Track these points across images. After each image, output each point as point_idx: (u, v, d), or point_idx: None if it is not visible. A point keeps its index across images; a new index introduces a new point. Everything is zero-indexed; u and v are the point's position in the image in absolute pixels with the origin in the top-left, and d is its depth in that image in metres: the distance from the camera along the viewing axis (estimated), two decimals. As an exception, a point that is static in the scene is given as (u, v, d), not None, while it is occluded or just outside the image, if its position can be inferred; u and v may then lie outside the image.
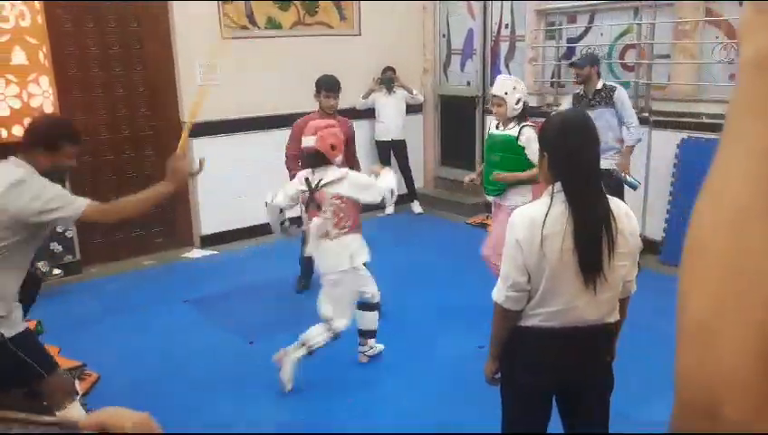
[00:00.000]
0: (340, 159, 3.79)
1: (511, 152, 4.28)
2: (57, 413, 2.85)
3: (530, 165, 4.10)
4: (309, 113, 4.97)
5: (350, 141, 4.72)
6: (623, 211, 2.17)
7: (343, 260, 3.70)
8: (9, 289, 2.70)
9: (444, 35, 7.79)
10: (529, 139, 4.14)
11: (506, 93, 4.23)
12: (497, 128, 4.39)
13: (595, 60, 5.33)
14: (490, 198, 4.67)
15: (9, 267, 2.66)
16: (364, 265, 3.86)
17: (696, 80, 5.56)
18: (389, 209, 6.96)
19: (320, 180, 3.71)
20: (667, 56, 5.71)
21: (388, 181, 3.74)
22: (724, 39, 5.36)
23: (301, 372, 3.95)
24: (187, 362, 4.11)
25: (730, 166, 0.46)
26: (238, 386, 3.79)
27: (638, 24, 5.84)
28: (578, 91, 5.34)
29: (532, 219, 2.10)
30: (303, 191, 3.77)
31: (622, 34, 6.06)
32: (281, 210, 3.81)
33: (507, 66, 7.12)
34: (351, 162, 4.78)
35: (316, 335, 3.76)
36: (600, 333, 2.23)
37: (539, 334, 2.19)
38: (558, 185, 2.12)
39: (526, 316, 2.21)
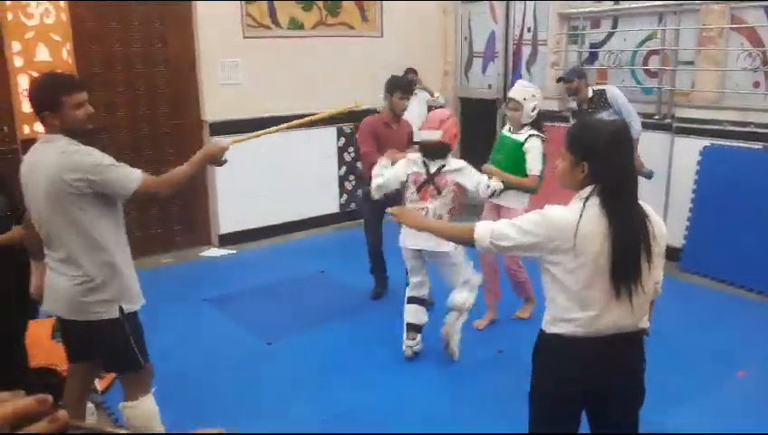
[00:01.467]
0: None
1: (514, 156, 4.33)
2: (129, 404, 2.84)
3: (524, 173, 4.28)
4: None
5: (409, 143, 4.81)
6: (650, 212, 2.15)
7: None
8: (111, 262, 2.64)
9: (465, 38, 7.76)
10: (532, 147, 4.26)
11: (524, 99, 4.30)
12: (509, 131, 4.45)
13: (582, 73, 5.49)
14: (492, 200, 4.66)
15: (101, 245, 2.61)
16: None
17: (719, 87, 5.49)
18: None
19: (442, 166, 3.92)
20: (691, 63, 5.65)
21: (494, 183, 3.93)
22: (748, 46, 5.30)
23: (316, 371, 3.97)
24: (205, 361, 4.12)
25: None
26: (255, 386, 3.80)
27: (662, 29, 5.78)
28: (572, 105, 5.55)
29: (564, 222, 2.06)
30: (418, 173, 3.93)
31: (646, 40, 6.00)
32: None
33: (529, 70, 7.08)
34: None
35: (466, 299, 3.94)
36: (636, 339, 2.20)
37: (572, 342, 2.15)
38: (588, 189, 2.09)
39: (557, 322, 2.17)
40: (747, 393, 3.62)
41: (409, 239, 3.89)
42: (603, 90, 5.33)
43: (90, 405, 3.20)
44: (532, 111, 4.31)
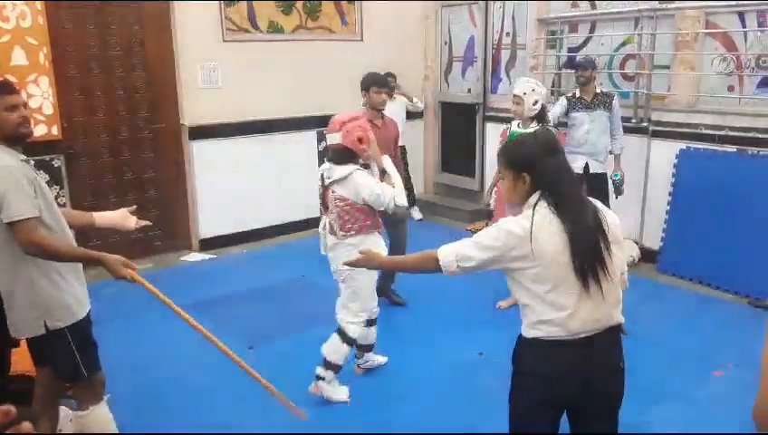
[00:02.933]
0: (368, 153, 3.51)
1: None
2: (80, 413, 2.82)
3: None
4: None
5: (396, 143, 4.84)
6: (596, 202, 2.24)
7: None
8: (30, 278, 2.57)
9: (445, 42, 7.81)
10: None
11: (525, 94, 4.60)
12: (518, 126, 4.74)
13: (594, 64, 5.53)
14: None
15: (15, 263, 2.56)
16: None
17: (695, 91, 5.58)
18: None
19: (329, 178, 3.51)
20: (667, 67, 5.73)
21: (392, 191, 3.48)
22: (723, 51, 5.39)
23: (299, 377, 3.95)
24: (186, 367, 4.10)
25: None
26: (237, 391, 3.78)
27: (638, 34, 5.86)
28: (572, 93, 5.49)
29: (518, 231, 2.11)
30: (319, 184, 3.62)
31: (623, 44, 6.08)
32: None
33: (508, 74, 7.14)
34: (396, 164, 4.87)
35: (336, 350, 3.62)
36: (614, 335, 2.23)
37: (552, 344, 2.17)
38: (534, 197, 2.17)
39: (535, 326, 2.18)
40: (724, 393, 3.67)
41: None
42: (612, 94, 5.42)
43: (67, 411, 3.17)
44: (534, 104, 4.59)
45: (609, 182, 5.44)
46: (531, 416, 2.30)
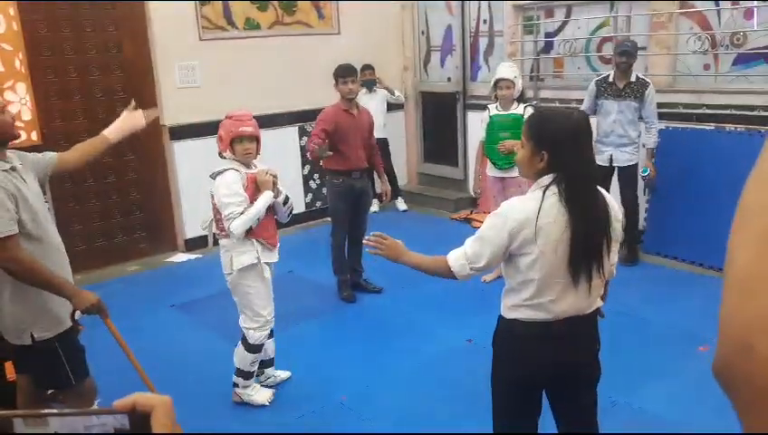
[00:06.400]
0: (229, 153, 3.45)
1: (519, 128, 4.78)
2: None
3: None
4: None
5: (371, 132, 4.98)
6: (608, 198, 2.22)
7: (226, 263, 3.46)
8: (11, 291, 2.57)
9: (423, 32, 7.81)
10: None
11: (515, 77, 4.87)
12: (497, 109, 4.95)
13: (636, 48, 5.19)
14: (497, 174, 5.05)
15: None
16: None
17: (671, 71, 5.63)
18: (374, 208, 7.07)
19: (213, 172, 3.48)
20: (644, 48, 5.77)
21: (236, 211, 3.29)
22: (698, 30, 5.44)
23: (288, 370, 3.96)
24: (176, 368, 4.10)
25: None
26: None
27: (614, 16, 5.90)
28: (602, 77, 5.28)
29: (525, 212, 2.09)
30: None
31: (599, 27, 6.12)
32: None
33: (487, 61, 7.16)
34: (369, 153, 5.00)
35: (242, 358, 3.56)
36: (590, 320, 2.27)
37: (530, 326, 2.20)
38: (547, 178, 2.12)
39: (516, 308, 2.21)
40: (709, 368, 3.73)
41: None
42: (648, 83, 5.13)
43: None
44: (520, 86, 4.91)
45: (640, 178, 5.31)
46: (509, 397, 2.35)
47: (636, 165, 5.27)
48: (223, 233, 3.41)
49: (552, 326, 2.18)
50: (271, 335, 3.70)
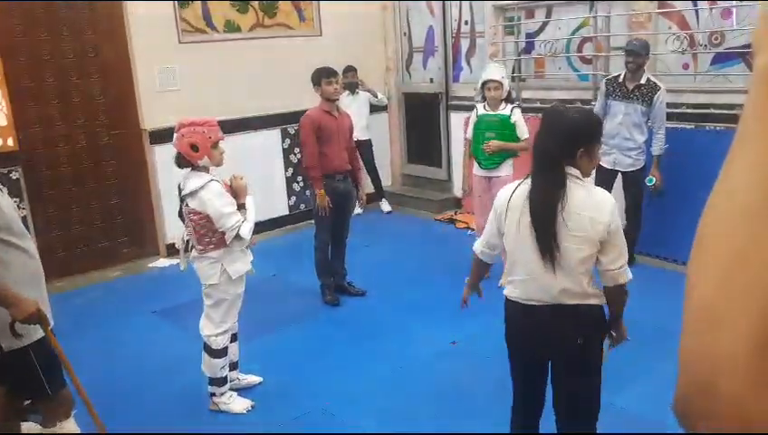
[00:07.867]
0: (207, 160, 3.38)
1: (505, 129, 4.91)
2: (48, 431, 2.77)
3: (518, 140, 4.91)
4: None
5: (352, 133, 5.03)
6: (597, 200, 2.30)
7: (212, 274, 3.44)
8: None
9: (405, 33, 7.81)
10: (519, 117, 4.94)
11: (503, 78, 4.94)
12: (485, 109, 4.99)
13: (648, 48, 5.00)
14: (481, 173, 5.08)
15: None
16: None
17: (651, 70, 5.64)
18: (358, 210, 7.03)
19: (183, 190, 3.37)
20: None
21: (239, 219, 3.36)
22: (676, 30, 5.47)
23: (272, 376, 3.94)
24: (158, 374, 4.06)
25: (741, 166, 0.51)
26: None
27: (593, 17, 5.92)
28: (612, 77, 5.15)
29: (505, 194, 2.45)
30: (178, 196, 3.44)
31: (579, 28, 6.14)
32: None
33: (468, 62, 7.17)
34: (352, 156, 5.04)
35: (209, 366, 3.55)
36: (571, 312, 2.38)
37: (513, 306, 2.48)
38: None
39: (506, 286, 2.53)
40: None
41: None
42: (659, 86, 4.92)
43: (31, 426, 3.09)
44: (508, 86, 5.01)
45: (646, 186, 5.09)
46: (513, 368, 2.65)
47: (640, 170, 5.05)
48: (211, 247, 3.37)
49: (526, 309, 2.43)
50: (234, 339, 3.68)
